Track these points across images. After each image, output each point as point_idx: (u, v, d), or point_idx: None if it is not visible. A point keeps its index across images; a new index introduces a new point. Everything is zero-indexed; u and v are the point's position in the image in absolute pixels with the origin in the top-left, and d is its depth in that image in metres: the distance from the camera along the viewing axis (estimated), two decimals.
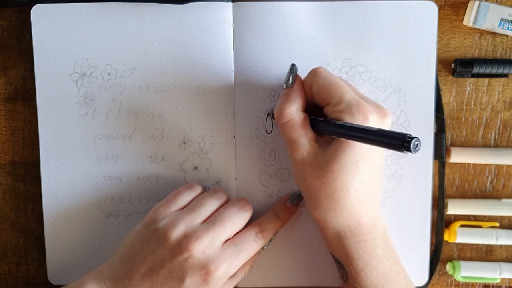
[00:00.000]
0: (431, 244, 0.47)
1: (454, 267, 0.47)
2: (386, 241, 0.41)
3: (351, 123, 0.37)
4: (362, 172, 0.38)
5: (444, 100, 0.46)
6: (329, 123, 0.39)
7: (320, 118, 0.40)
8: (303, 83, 0.41)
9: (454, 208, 0.46)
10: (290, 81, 0.41)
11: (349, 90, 0.39)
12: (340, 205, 0.39)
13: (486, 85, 0.46)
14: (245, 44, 0.45)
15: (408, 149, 0.31)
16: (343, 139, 0.38)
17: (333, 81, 0.40)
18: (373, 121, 0.38)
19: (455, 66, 0.45)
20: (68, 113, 0.46)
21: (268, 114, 0.45)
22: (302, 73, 0.45)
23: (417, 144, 0.32)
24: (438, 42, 0.45)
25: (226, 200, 0.43)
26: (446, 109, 0.46)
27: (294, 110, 0.40)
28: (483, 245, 0.48)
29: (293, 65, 0.41)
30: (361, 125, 0.37)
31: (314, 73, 0.40)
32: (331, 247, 0.42)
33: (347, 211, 0.39)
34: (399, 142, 0.32)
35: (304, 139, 0.40)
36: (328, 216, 0.40)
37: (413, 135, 0.32)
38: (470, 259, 0.48)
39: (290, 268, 0.47)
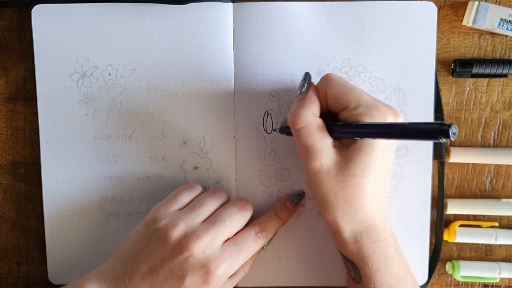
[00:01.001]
0: (431, 244, 0.47)
1: (453, 267, 0.47)
2: (395, 241, 0.41)
3: (380, 121, 0.37)
4: (380, 173, 0.39)
5: (444, 100, 0.46)
6: (352, 125, 0.38)
7: (339, 123, 0.40)
8: (316, 89, 0.41)
9: (453, 208, 0.47)
10: (305, 88, 0.40)
11: (364, 93, 0.39)
12: (358, 208, 0.39)
13: (485, 85, 0.46)
14: (245, 44, 0.45)
15: (447, 136, 0.31)
16: (363, 141, 0.38)
17: (347, 85, 0.39)
18: (388, 121, 0.38)
19: (455, 66, 0.46)
20: (68, 113, 0.46)
21: (275, 130, 0.45)
22: (302, 73, 0.45)
23: (455, 130, 0.32)
24: (438, 42, 0.45)
25: (226, 200, 0.43)
26: (446, 109, 0.46)
27: (310, 115, 0.39)
28: (482, 244, 0.48)
29: (307, 74, 0.41)
30: (391, 122, 0.37)
31: (326, 79, 0.40)
32: (345, 249, 0.41)
33: (364, 213, 0.39)
34: (436, 130, 0.32)
35: (321, 145, 0.39)
36: (345, 220, 0.39)
37: (448, 122, 0.32)
38: (470, 258, 0.48)
39: (290, 268, 0.47)
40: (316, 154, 0.39)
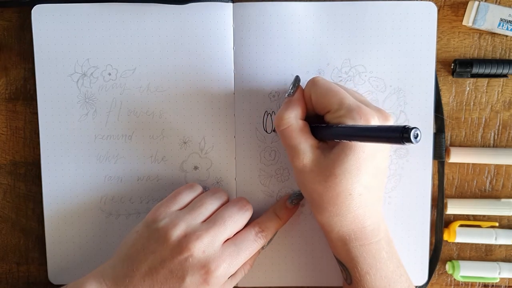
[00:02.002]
0: (431, 244, 0.47)
1: (453, 267, 0.47)
2: (389, 244, 0.41)
3: (351, 125, 0.37)
4: (365, 176, 0.38)
5: (444, 100, 0.46)
6: (330, 127, 0.39)
7: (321, 125, 0.40)
8: (303, 92, 0.42)
9: (453, 208, 0.47)
10: (292, 91, 0.41)
11: (348, 96, 0.39)
12: (343, 209, 0.39)
13: (485, 85, 0.46)
14: (245, 45, 0.45)
15: (408, 140, 0.31)
16: (346, 143, 0.38)
17: (331, 88, 0.40)
18: (375, 124, 0.38)
19: (455, 66, 0.46)
20: (68, 113, 0.46)
21: (274, 130, 0.45)
22: (302, 73, 0.45)
23: (418, 134, 0.31)
24: (438, 42, 0.45)
25: (227, 199, 0.43)
26: (446, 109, 0.46)
27: (292, 117, 0.40)
28: (482, 244, 0.48)
29: (296, 77, 0.42)
30: (361, 125, 0.37)
31: (312, 82, 0.41)
32: (336, 250, 0.42)
33: (351, 215, 0.39)
34: (399, 134, 0.31)
35: (304, 145, 0.39)
36: (332, 221, 0.40)
37: (412, 126, 0.31)
38: (470, 258, 0.48)
39: (290, 268, 0.47)
40: (299, 154, 0.39)
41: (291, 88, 0.41)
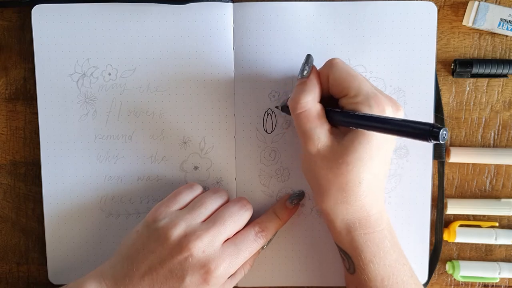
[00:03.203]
0: (431, 244, 0.47)
1: (453, 267, 0.47)
2: (391, 234, 0.41)
3: (374, 114, 0.37)
4: (375, 165, 0.38)
5: (444, 100, 0.46)
6: (349, 114, 0.38)
7: (337, 109, 0.39)
8: (319, 73, 0.41)
9: (453, 208, 0.47)
10: (306, 72, 0.40)
11: (366, 82, 0.39)
12: (351, 197, 0.39)
13: (485, 85, 0.46)
14: (245, 44, 0.45)
15: (436, 138, 0.32)
16: (359, 131, 0.38)
17: (350, 73, 0.39)
18: (389, 114, 0.38)
19: (455, 66, 0.46)
20: (68, 113, 0.46)
21: (276, 107, 0.45)
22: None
23: (445, 134, 0.32)
24: (438, 42, 0.45)
25: (227, 199, 0.43)
26: (446, 109, 0.46)
27: (310, 100, 0.39)
28: (482, 244, 0.48)
29: (308, 56, 0.41)
30: (386, 116, 0.37)
31: (330, 64, 0.40)
32: (339, 239, 0.41)
33: (358, 203, 0.39)
34: (428, 132, 0.32)
35: (319, 130, 0.39)
36: (338, 209, 0.39)
37: (439, 125, 0.32)
38: (470, 258, 0.48)
39: (290, 268, 0.47)
40: (313, 139, 0.39)
41: (305, 69, 0.40)
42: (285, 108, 0.44)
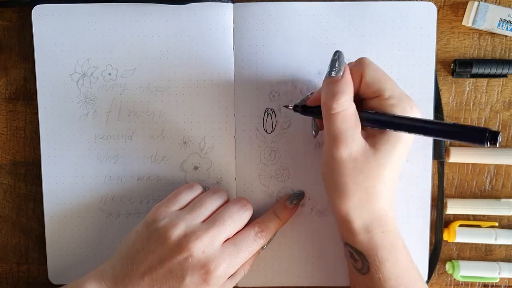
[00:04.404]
0: (431, 244, 0.47)
1: (453, 267, 0.47)
2: (399, 233, 0.41)
3: (424, 118, 0.37)
4: (398, 166, 0.39)
5: (444, 100, 0.46)
6: (388, 116, 0.38)
7: (372, 111, 0.39)
8: (350, 72, 0.39)
9: (453, 207, 0.47)
10: (340, 70, 0.38)
11: (396, 83, 0.39)
12: (374, 198, 0.39)
13: (485, 85, 0.46)
14: (245, 45, 0.45)
15: (493, 143, 0.34)
16: (391, 132, 0.38)
17: (384, 73, 0.39)
18: (418, 116, 0.38)
19: (454, 66, 0.46)
20: (69, 113, 0.46)
21: (285, 106, 0.44)
22: (303, 73, 0.45)
23: (500, 138, 0.34)
24: (437, 42, 0.46)
25: (227, 199, 0.43)
26: (446, 109, 0.46)
27: (348, 100, 0.37)
28: (482, 244, 0.48)
29: (340, 53, 0.38)
30: (436, 120, 0.37)
31: (363, 63, 0.39)
32: (354, 239, 0.40)
33: (380, 204, 0.39)
34: (485, 136, 0.34)
35: (353, 132, 0.38)
36: (359, 210, 0.39)
37: (493, 129, 0.35)
38: (470, 258, 0.48)
39: (290, 268, 0.47)
40: (347, 141, 0.38)
41: (335, 65, 0.38)
42: (298, 108, 0.43)
